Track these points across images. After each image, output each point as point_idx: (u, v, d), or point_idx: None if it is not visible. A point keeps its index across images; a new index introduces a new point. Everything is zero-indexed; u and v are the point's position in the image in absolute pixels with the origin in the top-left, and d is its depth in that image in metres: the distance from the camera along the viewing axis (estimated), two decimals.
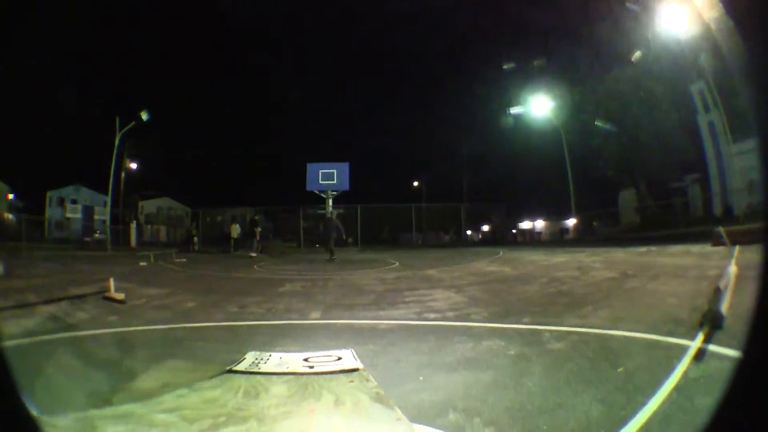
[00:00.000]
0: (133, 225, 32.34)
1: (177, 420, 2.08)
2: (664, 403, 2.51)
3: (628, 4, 23.84)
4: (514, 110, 37.05)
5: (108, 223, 29.02)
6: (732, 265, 7.08)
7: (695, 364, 3.17)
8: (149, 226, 42.42)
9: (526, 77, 38.41)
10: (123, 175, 30.72)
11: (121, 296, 6.86)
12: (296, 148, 62.44)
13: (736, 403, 1.13)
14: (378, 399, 2.45)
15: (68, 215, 44.71)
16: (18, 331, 4.62)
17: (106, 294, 7.08)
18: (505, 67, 39.64)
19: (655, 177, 35.61)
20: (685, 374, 2.97)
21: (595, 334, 4.39)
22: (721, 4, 1.35)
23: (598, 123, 34.38)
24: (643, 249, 14.92)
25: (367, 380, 2.83)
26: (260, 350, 3.70)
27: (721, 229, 13.51)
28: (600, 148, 35.60)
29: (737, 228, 14.83)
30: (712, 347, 3.50)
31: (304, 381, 2.84)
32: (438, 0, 55.46)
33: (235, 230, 26.88)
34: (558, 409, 2.54)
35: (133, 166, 37.19)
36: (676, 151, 32.35)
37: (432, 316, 5.64)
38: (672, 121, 32.20)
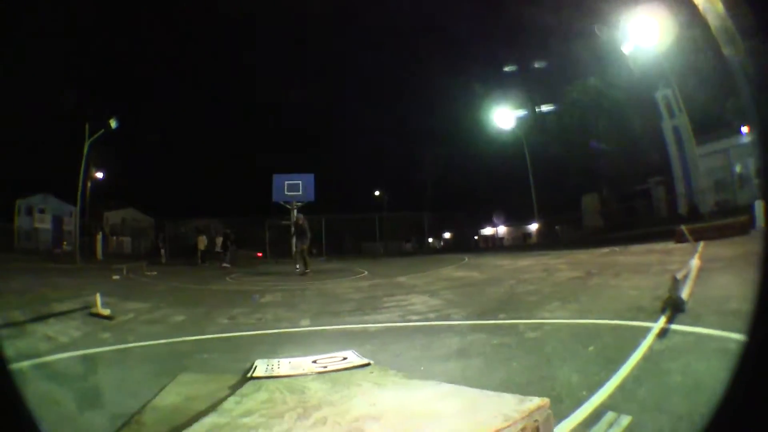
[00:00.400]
0: (99, 236, 31.21)
1: (266, 419, 2.24)
2: (634, 368, 3.07)
3: (595, 23, 24.31)
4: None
5: (77, 234, 27.77)
6: (695, 259, 7.75)
7: (659, 340, 3.75)
8: (114, 238, 41.14)
9: (490, 86, 39.21)
10: (89, 184, 29.53)
11: (107, 312, 6.72)
12: (259, 158, 61.65)
13: (744, 380, 1.17)
14: (408, 376, 2.83)
15: (36, 225, 43.03)
16: (14, 354, 4.26)
17: (92, 310, 6.88)
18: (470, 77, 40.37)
19: (618, 181, 36.94)
20: (651, 348, 3.54)
21: (565, 323, 4.96)
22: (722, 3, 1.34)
23: (560, 131, 35.30)
24: (606, 250, 15.57)
25: (385, 370, 3.19)
26: (266, 358, 3.91)
27: (683, 227, 13.87)
28: (562, 155, 36.55)
29: (702, 225, 15.52)
30: (674, 326, 4.09)
31: (331, 377, 3.10)
32: (401, 8, 56.24)
33: (202, 242, 26.63)
34: (543, 379, 3.02)
35: (99, 175, 35.66)
36: (639, 156, 33.71)
37: (415, 317, 6.06)
38: (636, 127, 33.53)
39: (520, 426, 1.77)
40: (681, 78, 29.97)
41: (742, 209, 17.59)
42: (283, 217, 30.43)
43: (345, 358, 3.71)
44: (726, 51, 1.33)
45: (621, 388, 2.75)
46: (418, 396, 2.50)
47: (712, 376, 2.70)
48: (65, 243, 39.14)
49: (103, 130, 26.62)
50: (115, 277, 15.16)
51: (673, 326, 4.07)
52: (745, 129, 31.46)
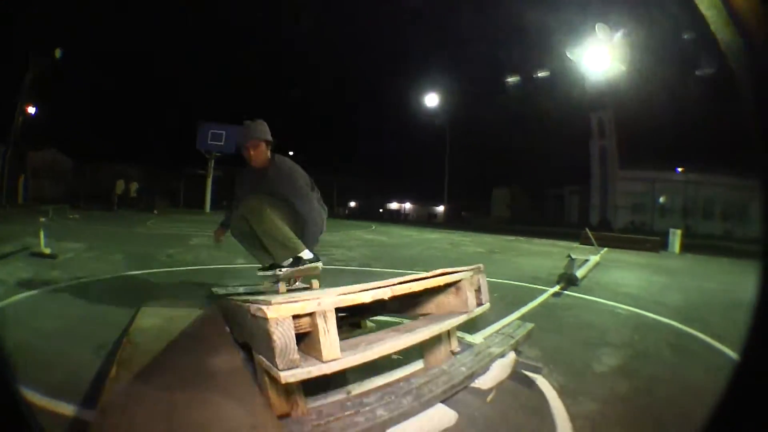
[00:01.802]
0: (22, 179, 28.69)
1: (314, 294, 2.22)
2: (532, 310, 4.14)
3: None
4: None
5: (6, 175, 24.95)
6: (597, 256, 8.98)
7: (554, 298, 4.86)
8: (36, 180, 37.89)
9: (425, 66, 39.62)
10: (21, 121, 26.12)
11: (48, 250, 6.62)
12: (171, 103, 58.36)
13: (734, 404, 1.14)
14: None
15: None
16: None
17: (34, 249, 6.76)
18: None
19: (533, 181, 39.35)
20: (546, 301, 4.65)
21: None
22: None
23: (485, 124, 36.58)
24: (512, 237, 17.02)
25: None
26: (219, 287, 4.01)
27: (589, 231, 13.65)
28: (483, 146, 38.16)
29: (611, 234, 17.19)
30: (567, 293, 5.19)
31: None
32: None
33: (120, 186, 25.97)
34: None
35: (32, 110, 31.26)
36: (558, 163, 36.07)
37: (340, 264, 6.91)
38: (562, 138, 35.71)
39: (473, 272, 2.77)
40: (624, 105, 31.90)
41: (657, 233, 18.99)
42: (199, 168, 29.99)
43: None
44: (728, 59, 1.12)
45: (522, 317, 3.71)
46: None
47: (601, 323, 3.80)
48: None
49: (48, 61, 24.24)
50: (42, 219, 14.58)
51: (567, 292, 5.17)
52: (680, 169, 34.98)
